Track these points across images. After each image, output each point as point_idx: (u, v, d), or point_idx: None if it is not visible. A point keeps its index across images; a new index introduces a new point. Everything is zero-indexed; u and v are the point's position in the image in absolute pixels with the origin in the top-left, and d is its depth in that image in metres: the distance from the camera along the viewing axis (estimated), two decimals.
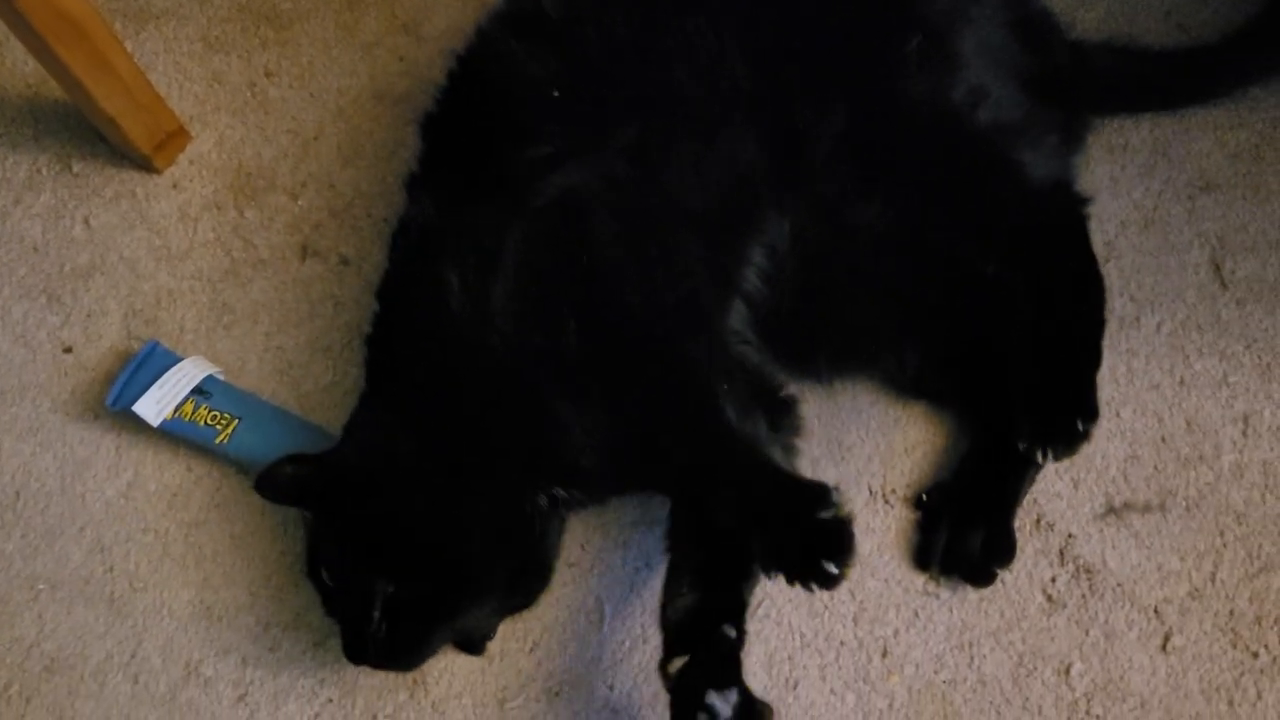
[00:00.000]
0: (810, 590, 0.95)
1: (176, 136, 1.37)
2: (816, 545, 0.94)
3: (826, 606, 1.17)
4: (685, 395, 1.05)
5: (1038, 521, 1.18)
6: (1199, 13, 1.41)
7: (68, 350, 1.31)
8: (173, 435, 1.25)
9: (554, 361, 1.07)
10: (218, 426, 1.23)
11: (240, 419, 1.24)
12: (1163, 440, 1.21)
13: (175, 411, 1.23)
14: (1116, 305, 1.25)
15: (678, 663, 1.01)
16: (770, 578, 0.99)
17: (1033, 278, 1.13)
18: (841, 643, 1.16)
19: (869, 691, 1.14)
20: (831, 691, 1.15)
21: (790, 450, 1.16)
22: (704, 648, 1.02)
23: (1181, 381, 1.23)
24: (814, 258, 1.15)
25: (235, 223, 1.36)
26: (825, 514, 0.95)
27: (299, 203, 1.37)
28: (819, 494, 0.96)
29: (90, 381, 1.30)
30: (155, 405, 1.23)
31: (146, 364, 1.27)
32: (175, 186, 1.38)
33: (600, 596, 1.19)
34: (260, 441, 1.23)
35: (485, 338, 1.07)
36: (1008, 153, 1.14)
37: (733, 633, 1.04)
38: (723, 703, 0.98)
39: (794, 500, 0.97)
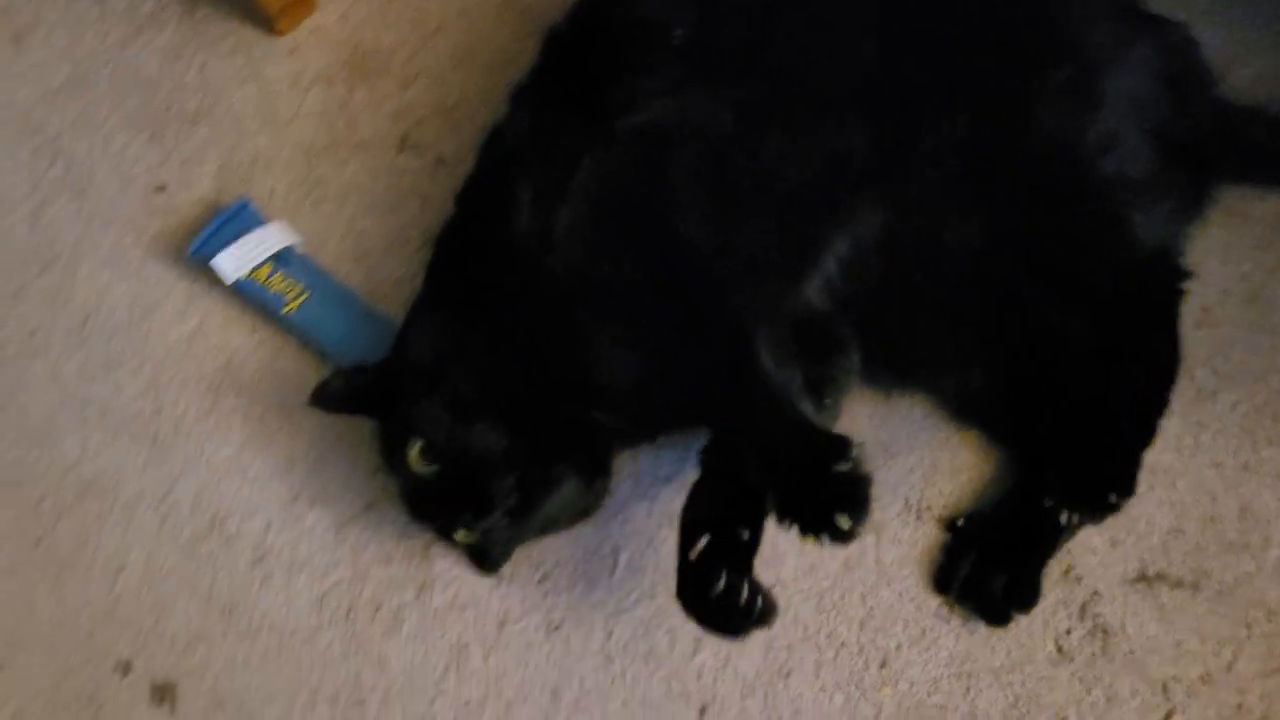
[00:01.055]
0: (821, 543, 0.94)
1: (303, 3, 1.37)
2: (831, 498, 0.94)
3: (836, 606, 1.18)
4: (721, 336, 1.04)
5: (1066, 571, 1.17)
6: None
7: (160, 189, 1.33)
8: (244, 295, 1.27)
9: (605, 290, 1.07)
10: (287, 296, 1.25)
11: (310, 292, 1.25)
12: (1211, 520, 1.18)
13: (251, 273, 1.25)
14: (1198, 375, 1.22)
15: (701, 543, 1.03)
16: (785, 528, 0.98)
17: (1111, 340, 1.11)
18: (843, 644, 1.17)
19: (859, 697, 1.15)
20: (822, 689, 1.15)
21: (833, 396, 1.15)
22: (718, 539, 1.04)
23: (1245, 466, 1.20)
24: (898, 262, 1.13)
25: (343, 100, 1.36)
26: (842, 467, 0.94)
27: (407, 93, 1.37)
28: (838, 447, 0.95)
29: (175, 225, 1.32)
30: (233, 263, 1.25)
31: (234, 220, 1.29)
32: (292, 53, 1.39)
33: (618, 544, 1.20)
34: (324, 319, 1.25)
35: (542, 255, 1.08)
36: (1121, 208, 1.11)
37: (746, 534, 1.06)
38: (731, 583, 1.02)
39: (812, 450, 0.97)
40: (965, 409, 1.22)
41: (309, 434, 1.24)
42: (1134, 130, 1.12)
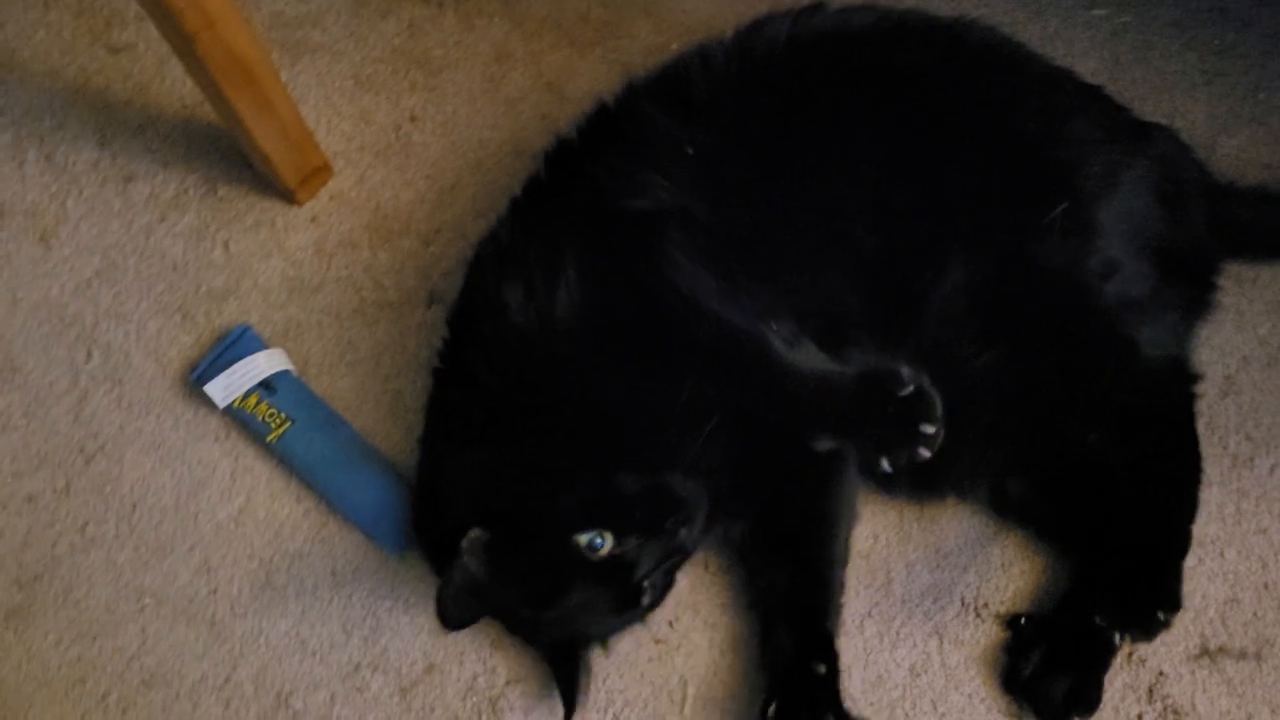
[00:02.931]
0: (919, 457, 0.98)
1: (321, 172, 1.41)
2: (909, 417, 0.98)
3: (908, 715, 1.18)
4: (741, 354, 1.06)
5: (1129, 656, 1.17)
6: None
7: (194, 368, 1.34)
8: (236, 421, 1.30)
9: (618, 358, 1.10)
10: (272, 424, 1.28)
11: (293, 421, 1.28)
12: (1265, 587, 1.19)
13: (240, 400, 1.28)
14: (1231, 443, 1.24)
15: (771, 709, 1.10)
16: (881, 470, 1.00)
17: (1132, 453, 1.14)
18: None
19: None
20: None
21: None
22: (796, 686, 1.12)
23: None
24: None
25: (367, 262, 1.39)
26: (905, 391, 0.98)
27: (430, 249, 1.39)
28: (892, 378, 0.98)
29: (213, 405, 1.33)
30: (223, 390, 1.29)
31: (234, 347, 1.32)
32: (314, 220, 1.42)
33: (685, 676, 1.20)
34: (303, 449, 1.28)
35: (547, 342, 1.10)
36: (1127, 329, 1.13)
37: (821, 668, 1.12)
38: None
39: (874, 391, 0.99)
40: (1005, 513, 1.24)
41: (363, 601, 1.24)
42: (1131, 252, 1.14)
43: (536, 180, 1.23)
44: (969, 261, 1.12)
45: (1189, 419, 1.17)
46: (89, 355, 1.35)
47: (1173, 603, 1.09)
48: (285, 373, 1.31)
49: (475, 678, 1.21)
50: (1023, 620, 1.19)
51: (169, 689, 1.22)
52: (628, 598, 1.10)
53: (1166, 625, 1.08)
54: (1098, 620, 1.10)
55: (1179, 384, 1.17)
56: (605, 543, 1.07)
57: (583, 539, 1.07)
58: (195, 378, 1.31)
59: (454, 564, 1.05)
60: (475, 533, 1.06)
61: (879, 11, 1.23)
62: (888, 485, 1.23)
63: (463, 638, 1.22)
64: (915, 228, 1.13)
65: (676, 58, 1.24)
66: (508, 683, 1.21)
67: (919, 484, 1.22)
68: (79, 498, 1.29)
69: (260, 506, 1.28)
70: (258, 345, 1.33)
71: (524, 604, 1.11)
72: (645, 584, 1.10)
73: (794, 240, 1.13)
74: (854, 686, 1.18)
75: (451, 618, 1.08)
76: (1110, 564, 1.12)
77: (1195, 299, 1.23)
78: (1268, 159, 1.38)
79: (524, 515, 1.09)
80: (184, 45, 1.14)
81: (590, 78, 1.49)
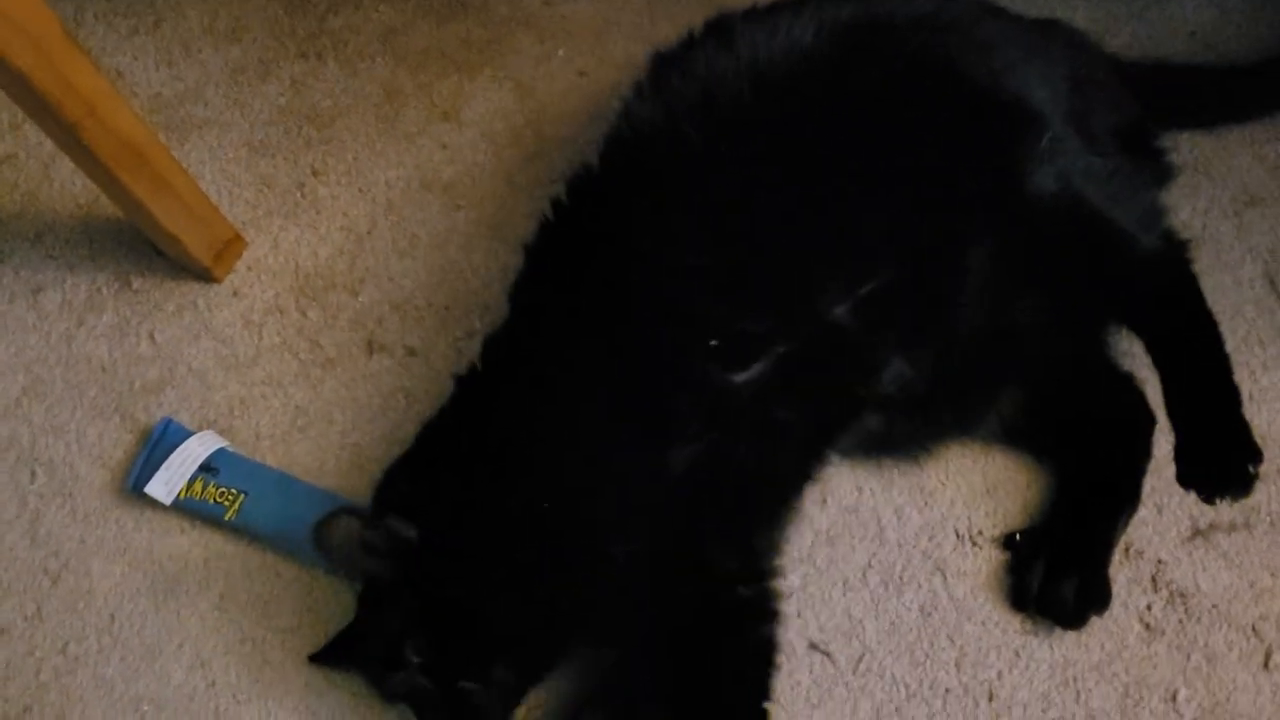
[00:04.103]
0: None
1: (233, 244, 1.38)
2: None
3: (928, 654, 1.18)
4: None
5: (1126, 550, 1.19)
6: (1223, 31, 1.44)
7: None
8: (188, 512, 1.27)
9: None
10: (225, 503, 1.25)
11: (246, 494, 1.25)
12: None
13: (186, 490, 1.25)
14: None
15: None
16: None
17: (1161, 332, 1.15)
18: (947, 690, 1.17)
19: None
20: None
21: None
22: None
23: (1250, 397, 1.24)
24: (945, 364, 1.16)
25: (299, 324, 1.37)
26: None
27: (359, 298, 1.38)
28: None
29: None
30: (165, 486, 1.26)
31: (161, 443, 1.29)
32: (236, 294, 1.39)
33: None
34: (265, 515, 1.25)
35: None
36: (1123, 222, 1.15)
37: None
38: None
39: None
40: (994, 433, 1.25)
41: None
42: (1097, 149, 1.16)
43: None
44: (985, 233, 1.12)
45: (1194, 280, 1.17)
46: (33, 475, 1.31)
47: (1256, 454, 1.09)
48: (221, 450, 1.28)
49: None
50: (1018, 536, 1.21)
51: None
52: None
53: (1257, 476, 1.08)
54: (1201, 498, 1.10)
55: (1177, 251, 1.18)
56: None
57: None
58: (132, 484, 1.27)
59: (383, 518, 1.09)
60: (412, 532, 1.08)
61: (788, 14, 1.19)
62: (888, 446, 1.23)
63: None
64: (928, 228, 1.11)
65: (618, 140, 1.20)
66: (528, 708, 1.19)
67: (928, 435, 1.24)
68: (53, 620, 1.25)
69: (241, 589, 1.25)
70: (185, 433, 1.29)
71: (370, 607, 1.14)
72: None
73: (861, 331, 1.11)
74: (869, 638, 1.18)
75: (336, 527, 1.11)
76: (1185, 443, 1.12)
77: (1157, 169, 1.26)
78: (1153, 52, 1.43)
79: (437, 566, 1.09)
80: (69, 137, 1.12)
81: (484, 99, 1.49)
